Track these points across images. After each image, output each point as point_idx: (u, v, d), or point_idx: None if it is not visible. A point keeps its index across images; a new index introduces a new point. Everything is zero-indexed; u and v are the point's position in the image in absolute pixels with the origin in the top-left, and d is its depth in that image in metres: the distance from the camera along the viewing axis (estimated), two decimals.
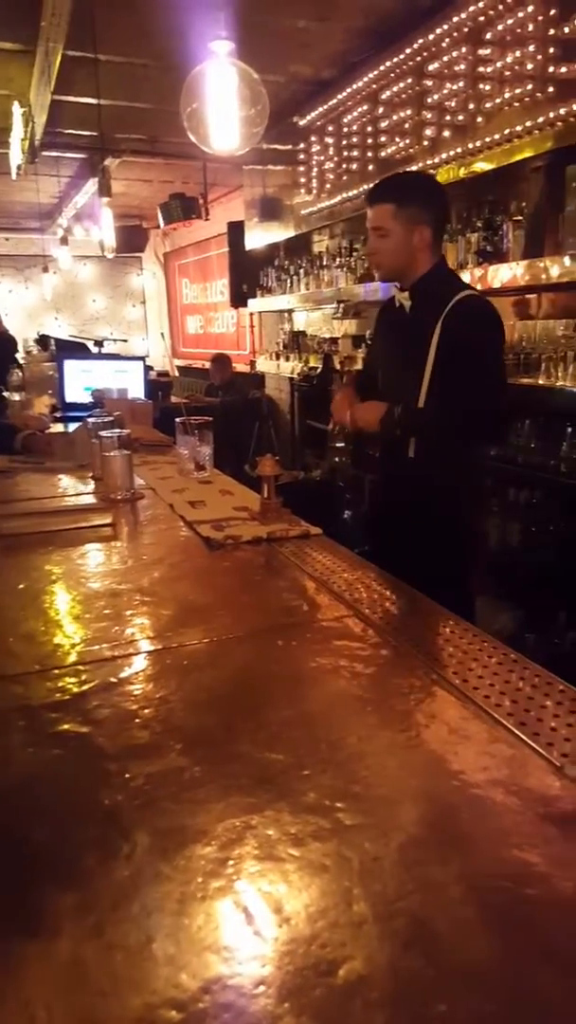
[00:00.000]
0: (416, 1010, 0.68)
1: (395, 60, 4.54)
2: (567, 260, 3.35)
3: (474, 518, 2.88)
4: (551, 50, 3.35)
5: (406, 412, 2.43)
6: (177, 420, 2.81)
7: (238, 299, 8.27)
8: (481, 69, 3.81)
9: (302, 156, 6.05)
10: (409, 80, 4.47)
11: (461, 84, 3.98)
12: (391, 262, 2.54)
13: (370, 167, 5.04)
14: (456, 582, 2.40)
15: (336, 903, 0.78)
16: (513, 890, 0.81)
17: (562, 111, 3.30)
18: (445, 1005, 0.68)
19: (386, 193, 2.49)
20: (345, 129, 5.34)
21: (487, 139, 3.80)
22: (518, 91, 3.54)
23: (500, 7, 3.63)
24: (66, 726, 1.14)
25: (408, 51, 4.39)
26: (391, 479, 2.70)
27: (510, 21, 3.56)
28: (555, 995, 0.69)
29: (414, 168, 4.48)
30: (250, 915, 0.77)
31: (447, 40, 4.05)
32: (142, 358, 5.48)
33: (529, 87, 3.46)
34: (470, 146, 3.94)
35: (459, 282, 2.67)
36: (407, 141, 4.57)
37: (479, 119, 3.85)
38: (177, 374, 11.91)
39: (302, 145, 6.02)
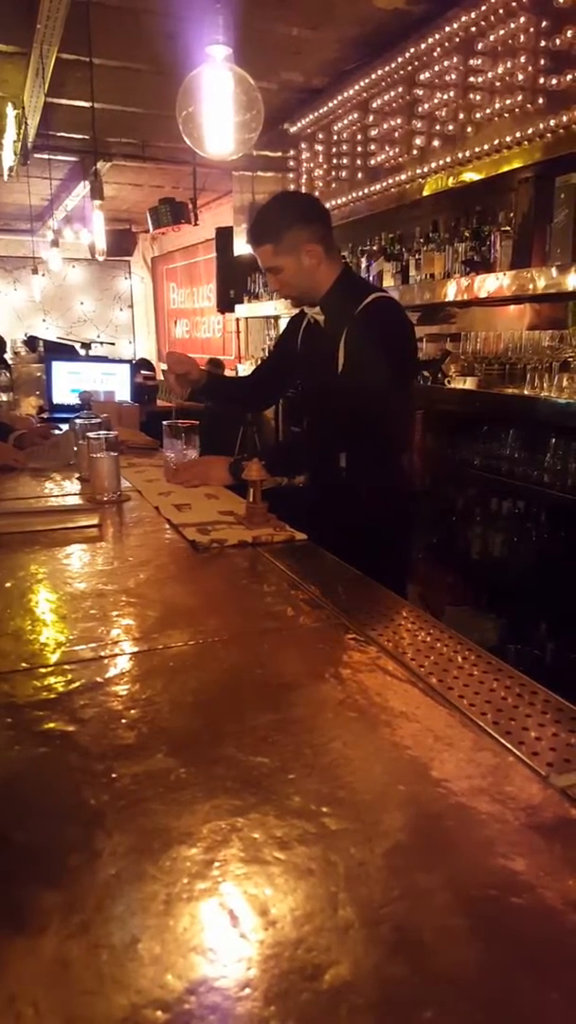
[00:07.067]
0: (402, 1017, 0.67)
1: (386, 69, 4.57)
2: (554, 271, 3.37)
3: (408, 534, 2.83)
4: (542, 62, 3.38)
5: (272, 453, 2.60)
6: (164, 423, 2.81)
7: (225, 304, 8.26)
8: (472, 80, 3.83)
9: (292, 163, 6.07)
10: (400, 89, 4.50)
11: (451, 94, 4.00)
12: (296, 291, 2.56)
13: (359, 175, 5.06)
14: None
15: (322, 907, 0.78)
16: (499, 898, 0.80)
17: (552, 122, 3.32)
18: (431, 1012, 0.67)
19: (261, 236, 2.49)
20: (335, 137, 5.37)
21: (476, 149, 3.83)
22: (508, 102, 3.57)
23: (492, 18, 3.65)
24: (52, 725, 1.13)
25: (399, 60, 4.42)
26: (324, 492, 2.70)
27: (501, 32, 3.59)
28: (540, 1004, 0.69)
29: (403, 177, 4.51)
30: (236, 917, 0.76)
31: (438, 50, 4.08)
32: (129, 361, 5.48)
33: (519, 98, 3.49)
34: (459, 156, 3.96)
35: (368, 286, 2.68)
36: (396, 150, 4.59)
37: (469, 129, 3.88)
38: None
39: (292, 152, 6.04)
